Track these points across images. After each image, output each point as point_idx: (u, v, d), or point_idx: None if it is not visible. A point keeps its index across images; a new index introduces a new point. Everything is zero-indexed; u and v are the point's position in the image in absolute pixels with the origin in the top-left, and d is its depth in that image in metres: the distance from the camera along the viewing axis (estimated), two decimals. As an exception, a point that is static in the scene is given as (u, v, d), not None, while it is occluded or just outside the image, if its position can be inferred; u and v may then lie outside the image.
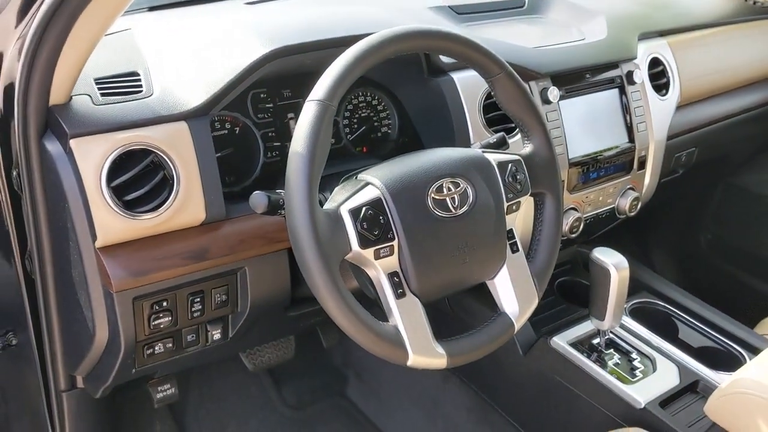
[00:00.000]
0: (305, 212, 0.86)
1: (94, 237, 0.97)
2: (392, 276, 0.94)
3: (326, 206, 0.92)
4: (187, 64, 1.11)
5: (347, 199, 0.93)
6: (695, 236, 2.23)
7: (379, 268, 0.93)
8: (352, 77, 0.92)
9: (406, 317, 0.93)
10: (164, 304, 1.05)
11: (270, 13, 1.33)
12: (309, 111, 0.90)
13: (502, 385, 1.55)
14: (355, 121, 1.34)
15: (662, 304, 1.53)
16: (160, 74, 1.09)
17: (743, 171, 2.16)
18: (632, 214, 1.56)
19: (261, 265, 1.11)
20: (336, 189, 0.98)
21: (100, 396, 1.21)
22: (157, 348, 1.11)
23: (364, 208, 0.92)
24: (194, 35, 1.21)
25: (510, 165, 1.04)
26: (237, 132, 1.21)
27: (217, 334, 1.15)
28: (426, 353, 0.94)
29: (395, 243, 0.93)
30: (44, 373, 1.23)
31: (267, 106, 1.24)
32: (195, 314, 1.10)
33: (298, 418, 1.76)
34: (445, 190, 0.97)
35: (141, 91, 1.04)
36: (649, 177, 1.59)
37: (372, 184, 0.95)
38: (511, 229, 1.05)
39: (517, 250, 1.05)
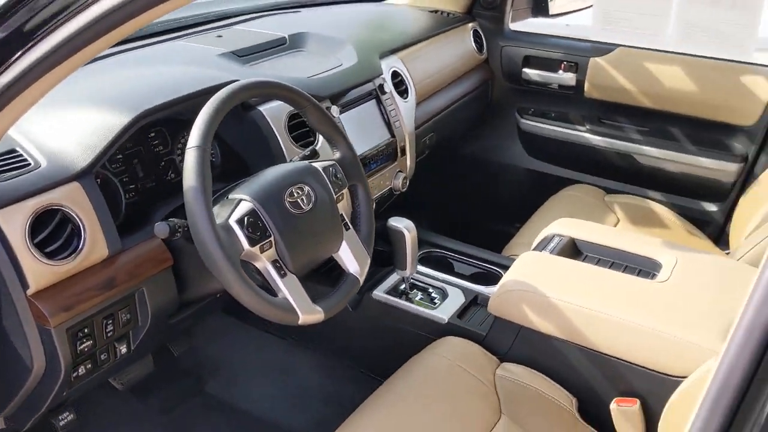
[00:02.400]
0: (209, 229, 1.18)
1: (25, 287, 1.18)
2: (275, 263, 1.29)
3: (218, 222, 1.25)
4: (58, 133, 1.33)
5: (230, 213, 1.26)
6: (449, 197, 2.85)
7: (264, 259, 1.28)
8: (216, 122, 1.25)
9: (290, 290, 1.29)
10: (86, 330, 1.29)
11: (103, 76, 1.56)
12: (191, 155, 1.21)
13: (339, 341, 1.96)
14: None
15: (439, 250, 2.04)
16: (36, 147, 1.30)
17: (467, 143, 2.81)
18: (404, 189, 2.05)
19: (154, 284, 1.39)
20: (215, 209, 1.29)
21: (30, 426, 1.38)
22: (80, 370, 1.33)
23: (245, 218, 1.25)
24: (48, 106, 1.41)
25: (330, 168, 1.44)
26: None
27: (123, 348, 1.40)
28: (310, 312, 1.31)
29: (272, 238, 1.28)
30: None
31: (117, 157, 1.49)
32: (108, 334, 1.34)
33: (168, 422, 1.99)
34: (295, 194, 1.34)
35: (30, 164, 1.26)
36: (409, 160, 2.09)
37: (244, 199, 1.29)
38: (342, 214, 1.45)
39: (349, 228, 1.46)
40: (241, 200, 1.29)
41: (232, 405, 2.07)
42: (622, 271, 1.69)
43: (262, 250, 1.27)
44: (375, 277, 1.91)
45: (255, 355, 2.10)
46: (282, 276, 1.29)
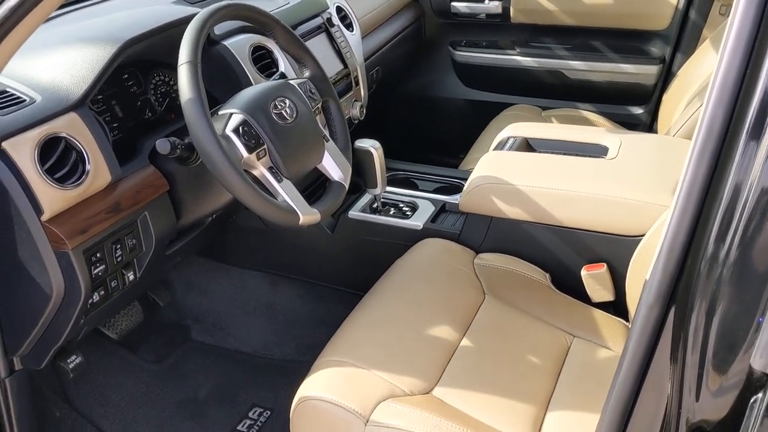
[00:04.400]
0: (211, 137, 1.26)
1: (39, 212, 1.24)
2: (270, 169, 1.38)
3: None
4: (47, 71, 1.37)
5: (225, 125, 1.34)
6: (399, 132, 2.98)
7: (261, 166, 1.37)
8: (202, 39, 1.33)
9: (288, 193, 1.39)
10: (98, 254, 1.35)
11: (74, 24, 1.59)
12: (184, 70, 1.29)
13: (322, 265, 2.06)
14: (159, 96, 1.70)
15: (402, 172, 2.17)
16: (27, 86, 1.34)
17: (407, 80, 2.94)
18: (362, 118, 2.16)
19: (154, 209, 1.46)
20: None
21: (45, 364, 1.43)
22: (95, 297, 1.39)
23: (240, 127, 1.34)
24: (29, 52, 1.44)
25: (305, 83, 1.54)
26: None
27: (130, 275, 1.47)
28: (309, 213, 1.41)
29: (266, 146, 1.37)
30: None
31: (98, 97, 1.54)
32: (117, 259, 1.41)
33: (162, 370, 2.05)
34: (278, 106, 1.43)
35: (25, 101, 1.30)
36: (363, 90, 2.20)
37: (235, 113, 1.37)
38: (320, 126, 1.55)
39: (328, 139, 1.56)
40: (232, 114, 1.37)
41: (222, 347, 2.15)
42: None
43: (258, 158, 1.36)
44: (347, 202, 2.02)
45: (238, 295, 2.18)
46: (279, 181, 1.39)
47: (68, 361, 1.64)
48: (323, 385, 1.35)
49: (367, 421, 1.29)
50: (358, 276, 2.03)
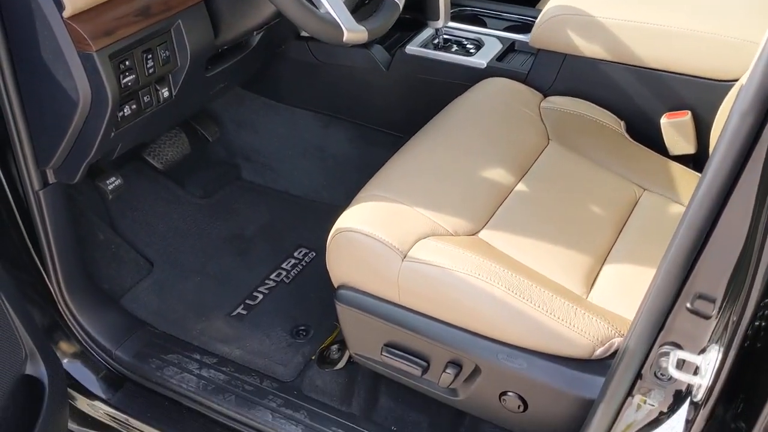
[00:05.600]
0: None
1: (61, 8, 1.14)
2: None
3: None
4: None
5: None
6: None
7: None
8: None
9: (332, 4, 1.24)
10: (127, 63, 1.25)
11: None
12: None
13: (374, 107, 1.93)
14: None
15: (469, 7, 1.96)
16: None
17: None
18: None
19: (189, 18, 1.34)
20: None
21: (78, 179, 1.39)
22: (125, 110, 1.31)
23: None
24: None
25: None
26: None
27: (165, 92, 1.38)
28: (354, 30, 1.26)
29: None
30: (11, 178, 1.36)
31: None
32: (150, 71, 1.31)
33: (210, 205, 2.01)
34: None
35: None
36: None
37: None
38: None
39: None
40: None
41: (270, 187, 2.08)
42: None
43: None
44: (405, 38, 1.84)
45: (289, 135, 2.08)
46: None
47: (107, 182, 1.60)
48: (361, 218, 1.26)
49: (405, 257, 1.20)
50: (413, 119, 1.88)
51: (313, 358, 1.54)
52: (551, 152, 1.47)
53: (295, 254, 1.85)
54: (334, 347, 1.55)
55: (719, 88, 1.41)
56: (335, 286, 1.32)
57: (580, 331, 1.10)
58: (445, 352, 1.22)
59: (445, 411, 1.40)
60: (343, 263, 1.28)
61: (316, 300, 1.70)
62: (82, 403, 1.53)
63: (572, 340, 1.10)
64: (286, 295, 1.73)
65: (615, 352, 1.10)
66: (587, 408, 1.07)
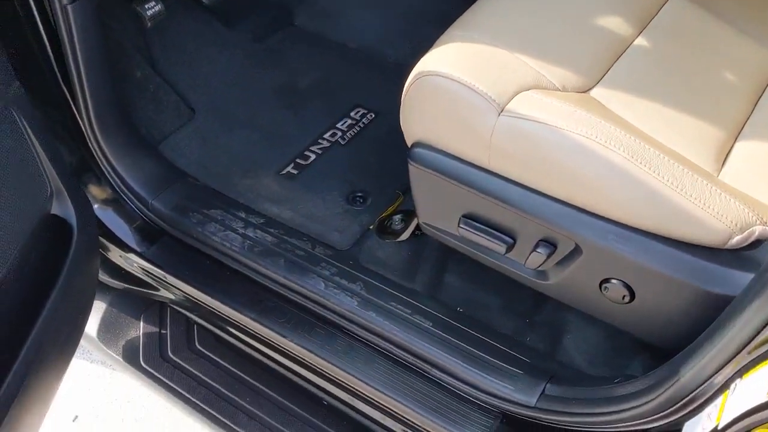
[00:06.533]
0: None
1: None
2: None
3: None
4: None
5: None
6: None
7: None
8: None
9: None
10: None
11: None
12: None
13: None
14: None
15: None
16: None
17: None
18: None
19: None
20: None
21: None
22: None
23: None
24: None
25: None
26: None
27: None
28: None
29: None
30: None
31: None
32: None
33: (260, 51, 1.79)
34: None
35: None
36: None
37: None
38: None
39: None
40: None
41: (328, 38, 1.85)
42: None
43: None
44: None
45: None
46: None
47: (146, 6, 1.39)
48: (450, 62, 1.04)
49: (502, 111, 0.99)
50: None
51: (371, 227, 1.37)
52: (676, 5, 1.21)
53: (352, 114, 1.64)
54: (397, 217, 1.38)
55: None
56: (409, 143, 1.12)
57: (716, 214, 0.90)
58: (537, 228, 1.03)
59: (521, 295, 1.22)
60: (423, 115, 1.07)
61: (376, 166, 1.51)
62: (114, 254, 1.39)
63: (705, 224, 0.90)
64: (342, 158, 1.54)
65: (754, 242, 0.91)
66: (713, 306, 0.89)
